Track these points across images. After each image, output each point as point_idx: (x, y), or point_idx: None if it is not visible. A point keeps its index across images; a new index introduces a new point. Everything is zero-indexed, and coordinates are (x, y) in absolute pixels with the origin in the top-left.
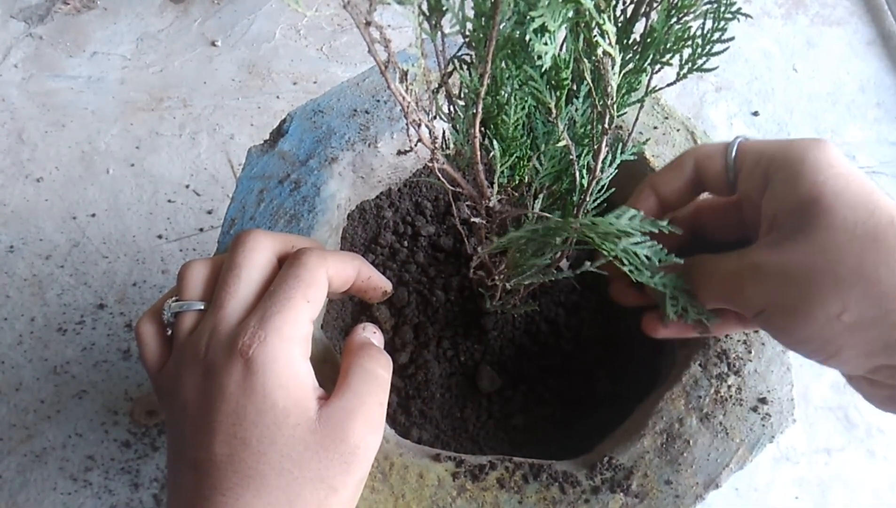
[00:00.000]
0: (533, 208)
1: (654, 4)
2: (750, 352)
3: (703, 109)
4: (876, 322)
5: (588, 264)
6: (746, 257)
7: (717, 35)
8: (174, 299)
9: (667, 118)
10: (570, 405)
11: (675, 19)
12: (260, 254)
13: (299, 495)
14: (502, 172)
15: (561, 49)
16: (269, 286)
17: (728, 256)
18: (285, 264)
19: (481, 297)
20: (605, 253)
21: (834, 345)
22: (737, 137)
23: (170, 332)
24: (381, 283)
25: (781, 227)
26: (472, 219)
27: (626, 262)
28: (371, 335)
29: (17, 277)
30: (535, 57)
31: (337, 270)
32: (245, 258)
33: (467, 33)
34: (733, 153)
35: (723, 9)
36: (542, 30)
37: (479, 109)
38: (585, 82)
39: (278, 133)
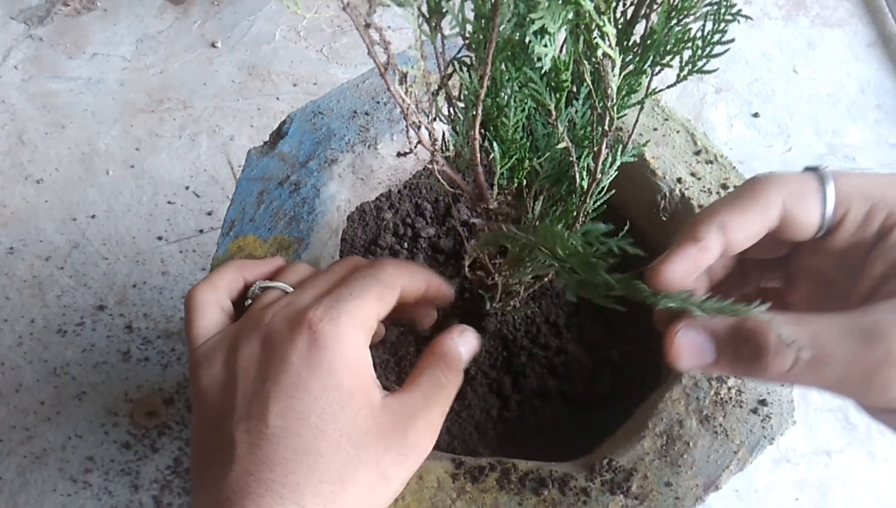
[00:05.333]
0: (533, 210)
1: (655, 6)
2: None
3: (704, 110)
4: None
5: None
6: (880, 341)
7: (717, 37)
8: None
9: (667, 120)
10: (570, 407)
11: (675, 21)
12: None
13: (353, 476)
14: (502, 173)
15: (561, 51)
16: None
17: (838, 319)
18: (365, 265)
19: (481, 299)
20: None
21: None
22: (825, 169)
23: (248, 303)
24: (448, 291)
25: None
26: (472, 220)
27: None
28: (463, 346)
29: (17, 278)
30: (535, 59)
31: (411, 281)
32: (347, 274)
33: (467, 35)
34: (831, 198)
35: (723, 10)
36: (542, 32)
37: (479, 111)
38: (585, 84)
39: (278, 135)
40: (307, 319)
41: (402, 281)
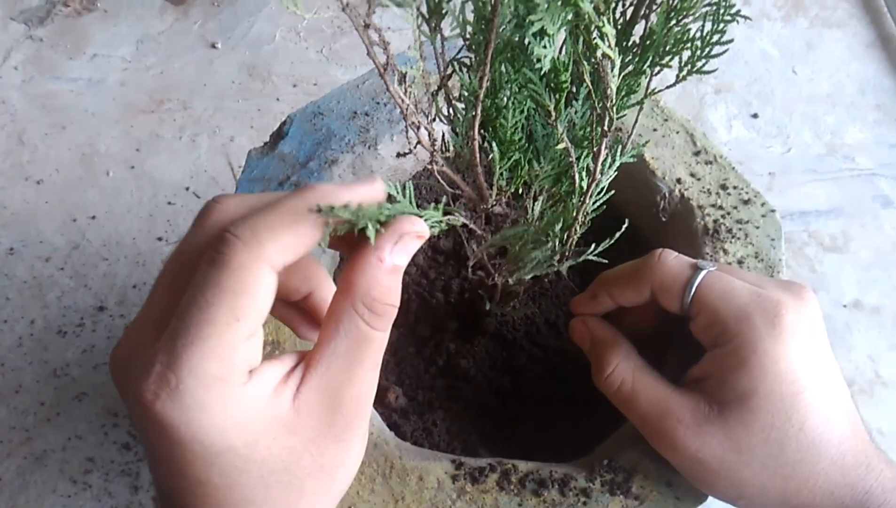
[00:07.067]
0: (532, 211)
1: (654, 7)
2: None
3: (703, 111)
4: None
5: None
6: (668, 419)
7: (716, 37)
8: None
9: (666, 120)
10: (570, 407)
11: (674, 21)
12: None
13: (301, 491)
14: (501, 174)
15: (560, 52)
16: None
17: (660, 387)
18: (201, 262)
19: (481, 299)
20: None
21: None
22: (702, 271)
23: None
24: (374, 189)
25: (710, 399)
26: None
27: None
28: (399, 256)
29: (17, 279)
30: (535, 60)
31: (286, 248)
32: (191, 240)
33: (467, 36)
34: (689, 300)
35: (722, 11)
36: (542, 33)
37: (479, 112)
38: (585, 85)
39: (278, 135)
40: (144, 400)
41: (274, 261)
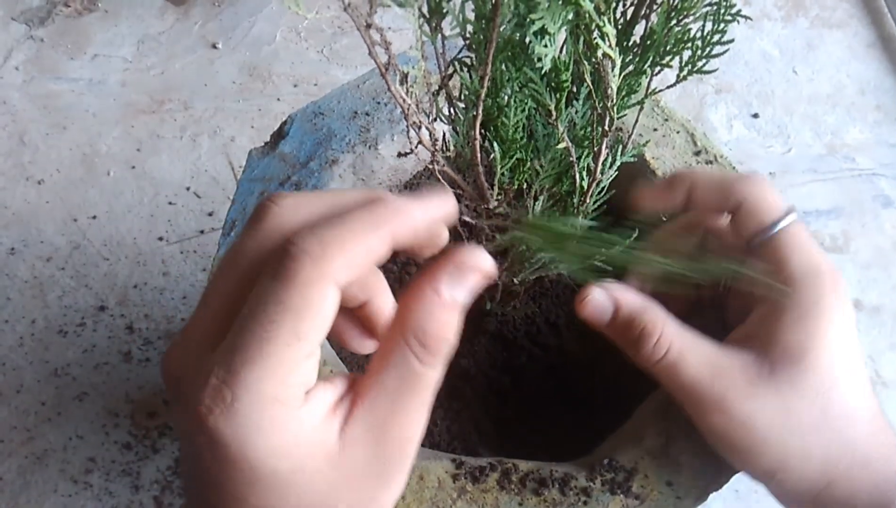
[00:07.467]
0: (533, 210)
1: (654, 6)
2: None
3: (703, 110)
4: (800, 489)
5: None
6: (720, 380)
7: (716, 37)
8: None
9: (667, 120)
10: (570, 407)
11: (674, 21)
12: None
13: None
14: (502, 173)
15: (561, 51)
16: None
17: (707, 348)
18: (263, 273)
19: (482, 299)
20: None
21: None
22: (790, 214)
23: None
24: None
25: (761, 359)
26: (466, 218)
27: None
28: (458, 290)
29: (18, 279)
30: (535, 59)
31: (353, 265)
32: (248, 244)
33: (467, 36)
34: (767, 236)
35: (722, 11)
36: (542, 32)
37: (480, 111)
38: (585, 84)
39: (279, 135)
40: (198, 413)
41: (340, 279)
